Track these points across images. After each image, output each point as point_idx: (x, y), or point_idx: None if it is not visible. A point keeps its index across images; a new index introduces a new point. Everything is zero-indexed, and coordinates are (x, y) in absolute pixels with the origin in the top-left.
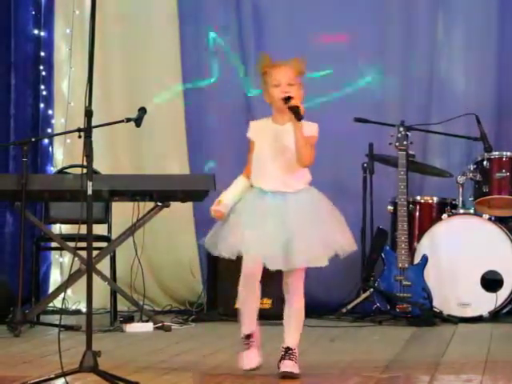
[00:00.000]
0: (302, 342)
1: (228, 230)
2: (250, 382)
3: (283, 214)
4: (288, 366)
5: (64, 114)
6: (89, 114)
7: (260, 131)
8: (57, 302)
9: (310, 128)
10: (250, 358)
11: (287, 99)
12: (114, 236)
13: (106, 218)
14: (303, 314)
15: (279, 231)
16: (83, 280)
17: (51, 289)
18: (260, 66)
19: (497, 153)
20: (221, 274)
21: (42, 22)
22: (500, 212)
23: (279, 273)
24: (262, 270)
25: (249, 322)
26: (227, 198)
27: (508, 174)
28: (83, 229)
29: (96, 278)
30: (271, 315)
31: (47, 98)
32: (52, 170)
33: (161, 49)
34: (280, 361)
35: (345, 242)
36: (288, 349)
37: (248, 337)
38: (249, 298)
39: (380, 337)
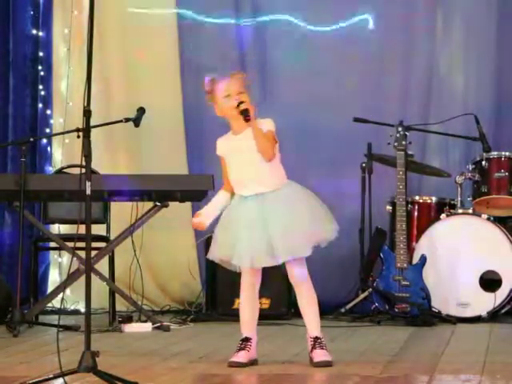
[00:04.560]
0: (301, 341)
1: (219, 239)
2: (249, 381)
3: (264, 213)
4: (321, 354)
5: (62, 113)
6: (87, 113)
7: (225, 146)
8: (55, 302)
9: (266, 124)
10: (241, 356)
11: (239, 104)
12: (112, 236)
13: (104, 218)
14: (316, 301)
15: (263, 232)
16: (82, 280)
17: (50, 289)
18: (206, 87)
19: (495, 153)
20: (219, 274)
21: (40, 21)
22: (499, 212)
23: (277, 274)
24: (262, 269)
25: (248, 326)
26: (206, 209)
27: (507, 174)
28: (82, 229)
29: (95, 278)
30: (269, 315)
31: (46, 98)
32: (51, 170)
33: (160, 49)
34: (311, 351)
35: (322, 231)
36: (316, 338)
37: (246, 340)
38: (248, 306)
39: (379, 337)
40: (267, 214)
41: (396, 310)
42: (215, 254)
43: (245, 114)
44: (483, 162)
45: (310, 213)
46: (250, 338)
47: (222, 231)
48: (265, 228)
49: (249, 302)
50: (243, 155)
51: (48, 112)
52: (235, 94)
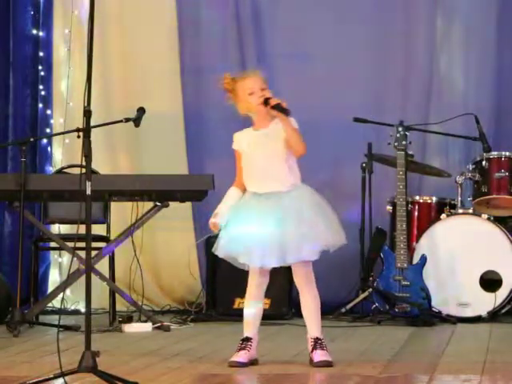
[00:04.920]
0: (300, 341)
1: (229, 236)
2: (249, 381)
3: (278, 213)
4: (321, 355)
5: (63, 113)
6: (88, 113)
7: (243, 141)
8: (56, 302)
9: (293, 121)
10: (241, 355)
11: (266, 100)
12: (112, 236)
13: (104, 218)
14: (318, 302)
15: (275, 232)
16: (82, 280)
17: (50, 289)
18: (226, 86)
19: (496, 153)
20: (220, 274)
21: (40, 22)
22: (499, 212)
23: (278, 274)
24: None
25: (250, 326)
26: (223, 209)
27: (507, 173)
28: (82, 229)
29: (95, 278)
30: (270, 315)
31: (46, 98)
32: (51, 169)
33: (160, 48)
34: (312, 351)
35: (333, 237)
36: (317, 339)
37: (246, 339)
38: (253, 306)
39: (379, 337)
40: (281, 215)
41: (396, 310)
42: (223, 250)
43: (280, 108)
44: (483, 162)
45: (321, 217)
46: (251, 338)
47: (231, 228)
48: (277, 228)
49: (254, 302)
50: (265, 151)
51: (48, 112)
52: (259, 90)
